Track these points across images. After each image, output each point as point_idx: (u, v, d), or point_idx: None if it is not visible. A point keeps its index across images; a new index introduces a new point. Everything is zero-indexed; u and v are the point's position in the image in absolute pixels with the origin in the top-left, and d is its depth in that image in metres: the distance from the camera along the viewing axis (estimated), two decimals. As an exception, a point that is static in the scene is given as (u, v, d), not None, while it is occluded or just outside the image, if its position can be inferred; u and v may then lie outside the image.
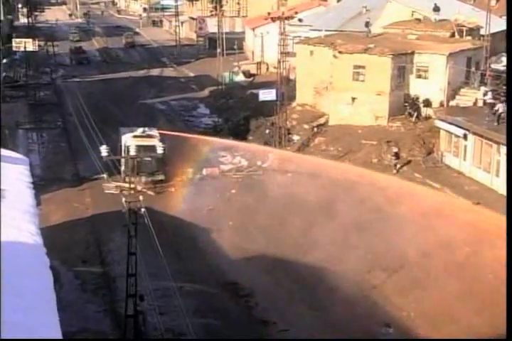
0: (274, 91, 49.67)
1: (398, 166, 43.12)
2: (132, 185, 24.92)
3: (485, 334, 24.86)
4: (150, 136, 41.48)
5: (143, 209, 33.18)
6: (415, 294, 28.25)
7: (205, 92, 66.30)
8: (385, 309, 27.39)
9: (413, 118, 47.62)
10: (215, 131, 53.79)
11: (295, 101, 53.84)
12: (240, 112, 56.02)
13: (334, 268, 29.97)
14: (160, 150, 37.57)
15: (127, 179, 34.37)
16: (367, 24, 54.61)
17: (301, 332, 25.72)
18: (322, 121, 50.77)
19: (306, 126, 50.50)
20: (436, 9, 55.84)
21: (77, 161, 45.21)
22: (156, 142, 39.31)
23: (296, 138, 48.98)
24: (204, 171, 43.53)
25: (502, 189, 38.23)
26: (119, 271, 28.34)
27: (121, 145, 39.77)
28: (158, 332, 24.44)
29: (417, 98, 48.59)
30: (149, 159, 38.21)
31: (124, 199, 23.47)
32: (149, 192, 38.40)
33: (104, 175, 40.00)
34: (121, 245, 29.87)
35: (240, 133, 51.72)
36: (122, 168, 37.72)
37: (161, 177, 41.20)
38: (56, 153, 48.63)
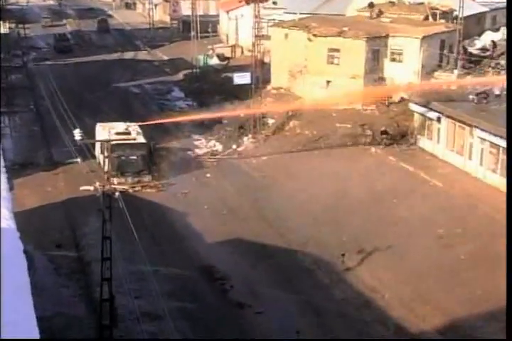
0: (248, 74, 49.52)
1: (386, 141, 43.77)
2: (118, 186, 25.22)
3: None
4: (134, 133, 39.15)
5: (117, 193, 33.07)
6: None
7: (180, 76, 65.85)
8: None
9: (384, 102, 47.80)
10: (189, 114, 53.41)
11: (270, 85, 53.69)
12: (215, 96, 55.76)
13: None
14: (146, 148, 37.26)
15: (114, 180, 33.25)
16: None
17: (276, 314, 25.83)
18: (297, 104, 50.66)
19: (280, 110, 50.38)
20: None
21: (51, 145, 44.75)
22: (140, 139, 38.31)
23: (271, 121, 48.89)
24: (178, 155, 43.25)
25: (474, 171, 38.60)
26: (93, 255, 28.17)
27: (103, 144, 35.48)
28: (133, 315, 24.39)
29: (381, 83, 48.86)
30: (135, 158, 37.59)
31: (98, 184, 23.27)
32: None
33: (78, 160, 39.72)
34: (95, 229, 29.71)
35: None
36: (105, 167, 34.64)
37: (147, 177, 38.34)
38: (29, 137, 48.09)
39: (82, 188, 36.58)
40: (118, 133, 37.35)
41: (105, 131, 37.59)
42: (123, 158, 37.11)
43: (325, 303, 26.66)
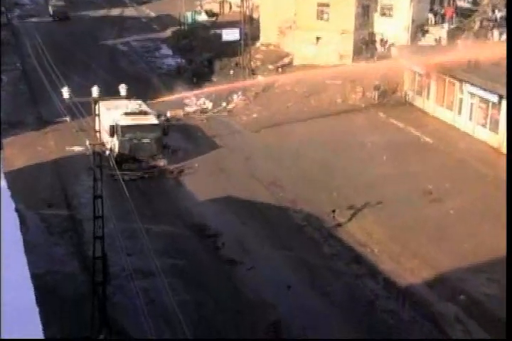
0: (237, 31, 49.04)
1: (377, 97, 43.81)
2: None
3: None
4: (144, 113, 35.60)
5: (107, 152, 33.01)
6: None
7: (167, 33, 65.09)
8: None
9: (374, 58, 47.57)
10: (178, 72, 53.09)
11: (259, 41, 53.26)
12: (204, 53, 55.28)
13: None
14: (159, 130, 33.38)
15: (124, 166, 32.06)
16: None
17: (267, 270, 26.15)
18: (286, 61, 50.44)
19: (270, 67, 50.13)
20: None
21: (39, 104, 44.42)
22: (153, 120, 34.95)
23: (260, 78, 48.62)
24: (168, 113, 43.04)
25: (464, 126, 38.73)
26: (85, 214, 28.31)
27: (113, 126, 32.11)
28: (126, 272, 24.65)
29: (371, 39, 48.52)
30: (148, 141, 33.87)
31: (88, 142, 23.22)
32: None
33: (67, 118, 39.52)
34: (87, 188, 29.80)
35: (204, 74, 51.15)
36: (116, 149, 33.20)
37: (162, 162, 34.63)
38: (16, 95, 47.63)
39: (71, 148, 36.82)
40: (128, 114, 34.64)
41: (111, 111, 34.38)
42: (134, 141, 33.91)
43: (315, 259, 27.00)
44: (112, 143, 33.08)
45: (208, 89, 45.76)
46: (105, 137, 32.44)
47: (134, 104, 35.73)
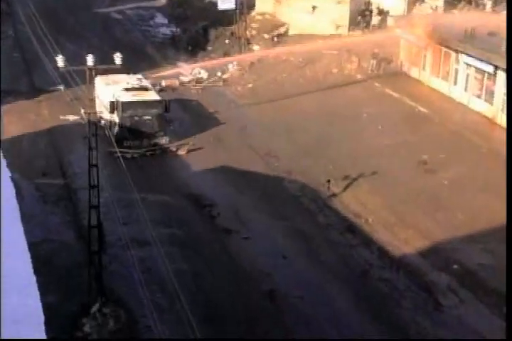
0: (233, -1, 48.49)
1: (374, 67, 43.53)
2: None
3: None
4: (145, 88, 34.73)
5: (103, 122, 32.95)
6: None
7: (162, 1, 64.32)
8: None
9: (369, 28, 47.29)
10: (173, 41, 52.66)
11: (254, 10, 52.75)
12: (199, 22, 54.73)
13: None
14: (161, 107, 32.34)
15: (125, 143, 31.67)
16: None
17: (263, 239, 26.30)
18: (282, 30, 50.10)
19: (266, 36, 49.76)
20: None
21: (32, 72, 44.07)
22: (154, 96, 34.01)
23: (256, 48, 48.31)
24: (163, 82, 42.78)
25: (459, 96, 38.66)
26: (80, 183, 28.30)
27: (113, 102, 31.95)
28: (122, 242, 24.75)
29: (367, 8, 48.14)
30: (149, 118, 32.85)
31: (83, 111, 23.11)
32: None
33: (61, 87, 39.23)
34: (81, 157, 29.71)
35: (199, 43, 50.76)
36: (115, 129, 32.64)
37: (164, 139, 33.66)
38: (10, 64, 47.19)
39: (66, 117, 36.66)
40: (129, 89, 33.75)
41: (111, 87, 33.96)
42: (136, 118, 32.96)
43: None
44: (112, 120, 32.52)
45: (202, 63, 45.42)
46: (104, 113, 32.37)
47: (135, 79, 34.66)
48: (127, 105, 32.62)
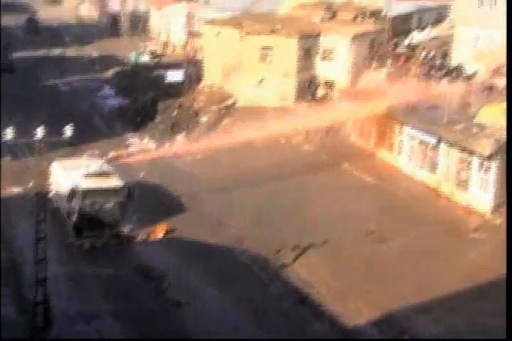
0: (181, 72, 49.39)
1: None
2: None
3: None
4: (107, 174, 31.80)
5: (51, 194, 32.45)
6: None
7: (110, 73, 65.05)
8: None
9: (315, 100, 48.51)
10: (121, 112, 53.00)
11: (202, 82, 53.65)
12: (147, 93, 55.38)
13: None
14: (124, 193, 30.13)
15: (85, 233, 29.83)
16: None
17: (214, 311, 25.93)
18: (230, 102, 50.87)
19: (214, 108, 50.47)
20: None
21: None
22: (117, 182, 31.07)
23: (204, 119, 48.90)
24: (111, 153, 42.66)
25: (404, 167, 39.44)
26: (26, 256, 27.63)
27: (72, 189, 30.11)
28: (67, 317, 24.10)
29: (312, 81, 49.57)
30: (111, 206, 30.41)
31: (31, 184, 22.87)
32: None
33: (8, 157, 38.76)
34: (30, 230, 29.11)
35: (147, 114, 51.20)
36: (74, 217, 30.43)
37: (127, 228, 31.28)
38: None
39: (11, 189, 36.02)
40: (89, 175, 31.06)
41: (69, 172, 31.70)
42: (96, 206, 30.51)
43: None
44: (71, 208, 30.59)
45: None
46: (62, 201, 31.00)
47: (95, 164, 32.45)
48: (87, 192, 30.18)
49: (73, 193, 29.81)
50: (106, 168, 32.58)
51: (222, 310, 26.00)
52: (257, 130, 40.36)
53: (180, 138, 46.10)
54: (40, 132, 23.80)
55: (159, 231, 31.65)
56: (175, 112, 50.08)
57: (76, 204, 30.15)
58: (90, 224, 30.14)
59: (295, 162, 41.27)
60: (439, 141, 36.32)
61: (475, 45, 48.02)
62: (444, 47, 53.49)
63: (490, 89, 41.22)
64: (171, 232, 31.69)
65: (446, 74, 46.60)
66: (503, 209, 32.94)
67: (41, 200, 22.38)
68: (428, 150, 37.63)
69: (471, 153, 33.94)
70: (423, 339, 21.35)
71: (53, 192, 32.56)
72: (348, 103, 44.68)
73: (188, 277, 28.19)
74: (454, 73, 46.85)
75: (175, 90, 50.27)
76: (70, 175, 31.52)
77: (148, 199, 33.88)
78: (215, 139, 43.33)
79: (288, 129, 41.66)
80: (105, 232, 30.37)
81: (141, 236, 31.39)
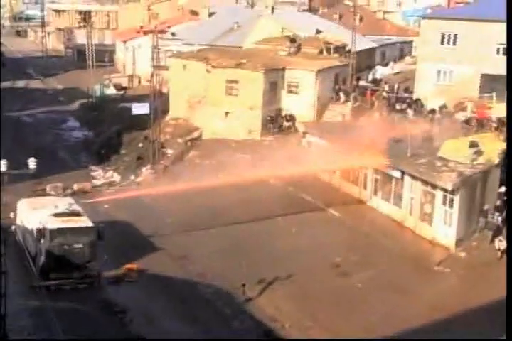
0: (147, 104, 49.34)
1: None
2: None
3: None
4: (76, 214, 30.78)
5: (13, 227, 31.91)
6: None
7: (75, 105, 64.85)
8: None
9: (271, 130, 48.85)
10: (85, 144, 52.69)
11: (168, 115, 53.70)
12: (112, 125, 55.21)
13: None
14: (93, 233, 29.22)
15: (52, 275, 28.76)
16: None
17: None
18: (196, 134, 50.94)
19: (179, 140, 50.45)
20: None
21: None
22: (86, 222, 30.17)
23: (170, 151, 48.79)
24: (75, 186, 42.24)
25: (369, 200, 39.67)
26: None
27: (39, 229, 29.30)
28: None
29: (278, 114, 49.96)
30: (81, 246, 29.34)
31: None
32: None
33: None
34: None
35: (112, 146, 50.95)
36: (41, 259, 29.28)
37: (95, 270, 29.79)
38: None
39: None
40: (58, 215, 30.07)
41: (37, 211, 30.82)
42: (65, 247, 29.38)
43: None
44: (38, 249, 29.47)
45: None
46: (29, 242, 30.23)
47: (64, 203, 31.63)
48: (56, 232, 29.12)
49: (41, 233, 29.00)
50: (75, 207, 31.74)
51: None
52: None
53: (145, 170, 45.87)
54: (2, 165, 23.49)
55: (130, 272, 30.90)
56: (140, 144, 49.92)
57: (44, 244, 29.18)
58: (58, 266, 29.12)
59: (258, 194, 41.15)
60: (403, 174, 36.64)
61: (437, 80, 49.07)
62: (406, 82, 54.58)
63: (452, 123, 42.02)
64: (141, 272, 31.18)
65: (408, 108, 47.44)
66: (468, 243, 33.30)
67: (2, 234, 21.96)
68: (393, 183, 37.91)
69: (435, 186, 34.28)
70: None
71: (19, 231, 32.06)
72: (311, 136, 45.01)
73: (151, 311, 27.76)
74: (415, 107, 47.72)
75: (140, 123, 50.11)
76: (37, 214, 30.62)
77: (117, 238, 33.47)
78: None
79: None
80: (73, 274, 29.32)
81: (111, 276, 30.50)
